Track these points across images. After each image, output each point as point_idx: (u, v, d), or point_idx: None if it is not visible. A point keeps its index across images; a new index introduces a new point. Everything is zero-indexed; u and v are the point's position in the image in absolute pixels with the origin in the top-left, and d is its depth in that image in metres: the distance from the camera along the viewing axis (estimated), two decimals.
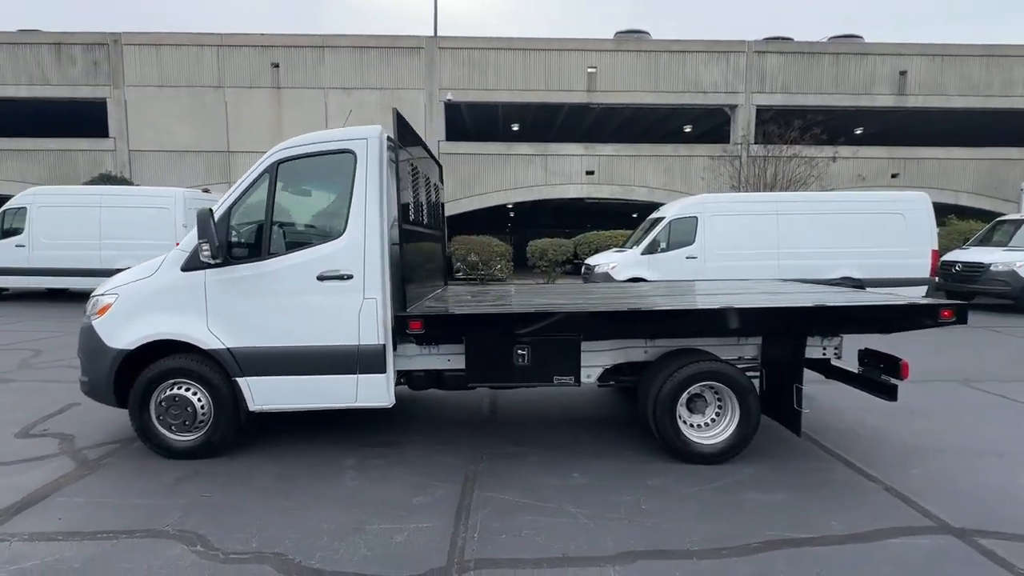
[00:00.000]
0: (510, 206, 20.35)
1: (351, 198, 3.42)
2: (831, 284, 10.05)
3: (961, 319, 3.36)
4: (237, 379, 3.45)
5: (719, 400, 3.56)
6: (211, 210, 3.25)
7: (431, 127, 16.69)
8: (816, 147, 14.83)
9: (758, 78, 16.78)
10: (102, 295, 3.59)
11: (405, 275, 3.47)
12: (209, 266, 3.41)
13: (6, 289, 11.54)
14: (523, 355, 3.37)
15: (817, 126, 14.86)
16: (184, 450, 3.52)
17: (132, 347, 3.44)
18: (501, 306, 3.59)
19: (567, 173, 16.98)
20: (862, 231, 10.25)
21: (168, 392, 3.48)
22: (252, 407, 3.50)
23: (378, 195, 3.39)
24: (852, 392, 3.92)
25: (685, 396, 3.52)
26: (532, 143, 17.44)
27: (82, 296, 5.83)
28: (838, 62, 16.69)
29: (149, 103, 16.51)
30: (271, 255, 3.44)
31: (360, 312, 3.39)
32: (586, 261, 11.83)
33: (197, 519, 2.79)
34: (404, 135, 3.52)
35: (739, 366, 4.15)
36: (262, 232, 3.46)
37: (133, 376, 3.46)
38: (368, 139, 3.44)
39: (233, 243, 3.49)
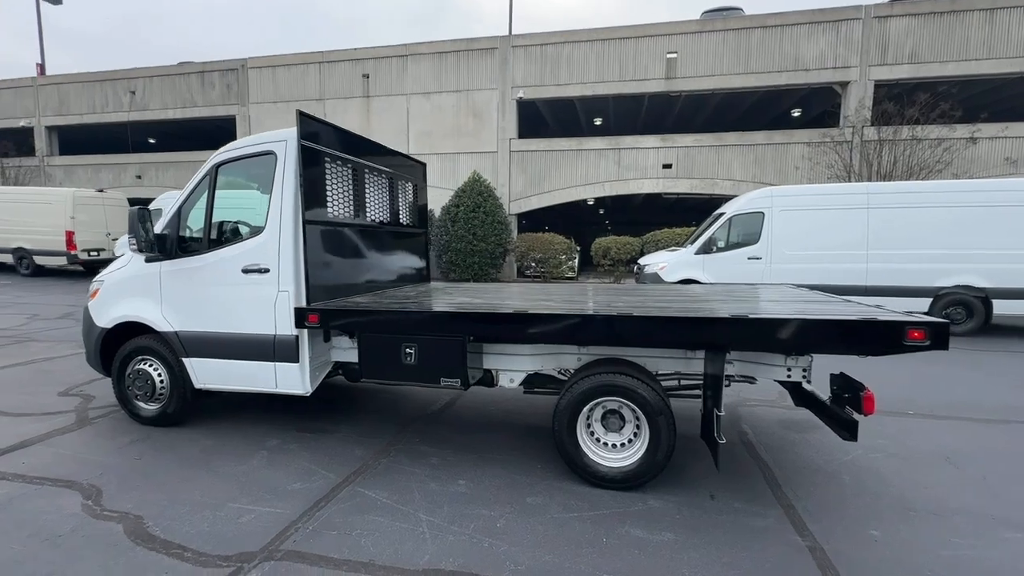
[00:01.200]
0: (591, 202, 19.85)
1: (271, 196, 3.64)
2: (940, 294, 8.31)
3: (939, 343, 2.57)
4: (183, 359, 3.89)
5: (637, 419, 3.16)
6: (144, 208, 3.70)
7: (503, 125, 16.90)
8: (948, 126, 12.15)
9: (878, 47, 14.17)
10: (98, 280, 4.27)
11: (317, 270, 3.60)
12: (162, 259, 3.89)
13: None
14: (410, 354, 3.32)
15: (949, 100, 12.17)
16: (148, 418, 4.06)
17: (109, 326, 4.06)
18: (390, 304, 3.55)
19: (641, 167, 16.03)
20: (991, 228, 8.23)
21: (136, 367, 4.04)
22: (196, 385, 3.92)
23: (293, 193, 3.56)
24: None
25: (591, 411, 3.20)
26: (604, 137, 16.75)
27: None
28: (992, 19, 13.44)
29: (267, 117, 19.04)
30: (208, 249, 3.81)
31: (276, 304, 3.61)
32: (638, 261, 11.11)
33: (110, 478, 3.22)
34: (316, 135, 3.64)
35: (683, 383, 3.69)
36: (204, 228, 3.85)
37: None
38: (287, 141, 3.62)
39: (183, 238, 3.93)
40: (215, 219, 3.88)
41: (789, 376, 3.28)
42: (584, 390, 3.14)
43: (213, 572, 2.34)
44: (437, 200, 15.81)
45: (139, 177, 20.48)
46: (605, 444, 3.25)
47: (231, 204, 4.24)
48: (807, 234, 9.00)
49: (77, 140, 22.36)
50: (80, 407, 4.51)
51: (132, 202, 14.46)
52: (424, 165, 5.65)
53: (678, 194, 16.39)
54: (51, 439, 3.82)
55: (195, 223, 3.99)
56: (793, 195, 9.27)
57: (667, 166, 15.84)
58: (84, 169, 21.17)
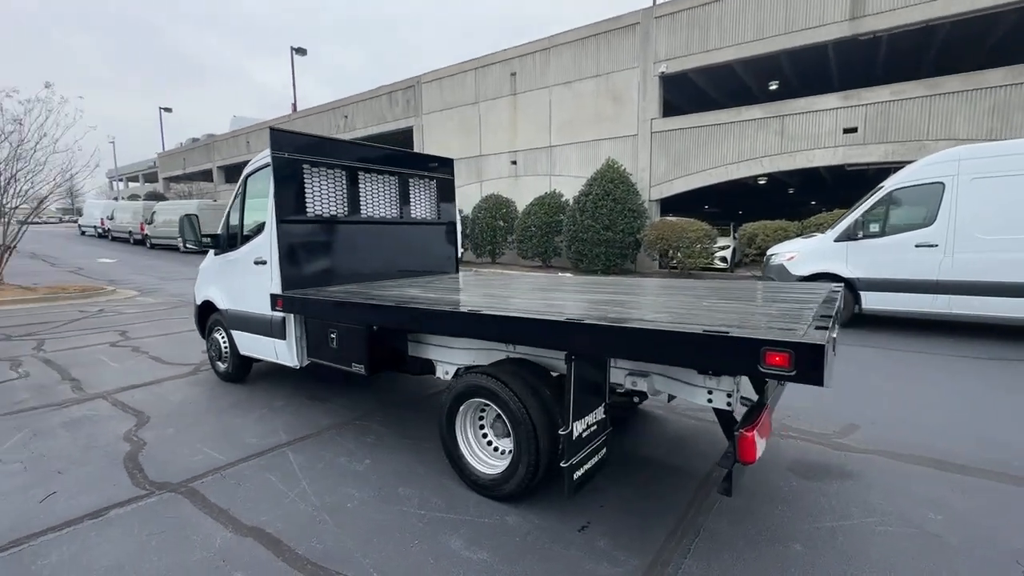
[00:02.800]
0: (762, 181, 17.16)
1: (269, 200, 4.38)
2: None
3: (806, 374, 1.75)
4: (230, 331, 4.99)
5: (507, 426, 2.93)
6: (191, 215, 4.81)
7: (644, 105, 15.74)
8: None
9: None
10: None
11: (291, 262, 4.20)
12: (218, 253, 5.04)
13: None
14: (333, 339, 3.65)
15: None
16: (220, 375, 5.33)
17: (199, 303, 5.44)
18: (334, 294, 3.85)
19: (813, 135, 13.05)
20: None
21: (212, 335, 5.33)
22: (241, 352, 4.98)
23: (276, 196, 4.22)
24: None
25: (481, 411, 3.07)
26: (764, 105, 14.11)
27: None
28: None
29: (436, 125, 21.59)
30: (240, 245, 4.78)
31: (271, 289, 4.36)
32: (768, 251, 9.29)
33: (160, 414, 4.39)
34: (289, 147, 4.19)
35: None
36: (239, 227, 4.83)
37: None
38: (272, 153, 4.29)
39: (227, 236, 4.99)
40: (246, 220, 4.83)
41: (710, 401, 2.58)
42: (457, 389, 3.03)
43: (137, 492, 3.08)
44: (573, 191, 15.76)
45: None
46: (496, 449, 3.07)
47: (260, 207, 5.19)
48: (1014, 213, 6.33)
49: None
50: (202, 363, 6.11)
51: None
52: (451, 161, 5.86)
53: (868, 164, 12.92)
54: (163, 383, 5.33)
55: (235, 224, 5.03)
56: (993, 156, 6.59)
57: (850, 130, 12.64)
58: None
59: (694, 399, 2.65)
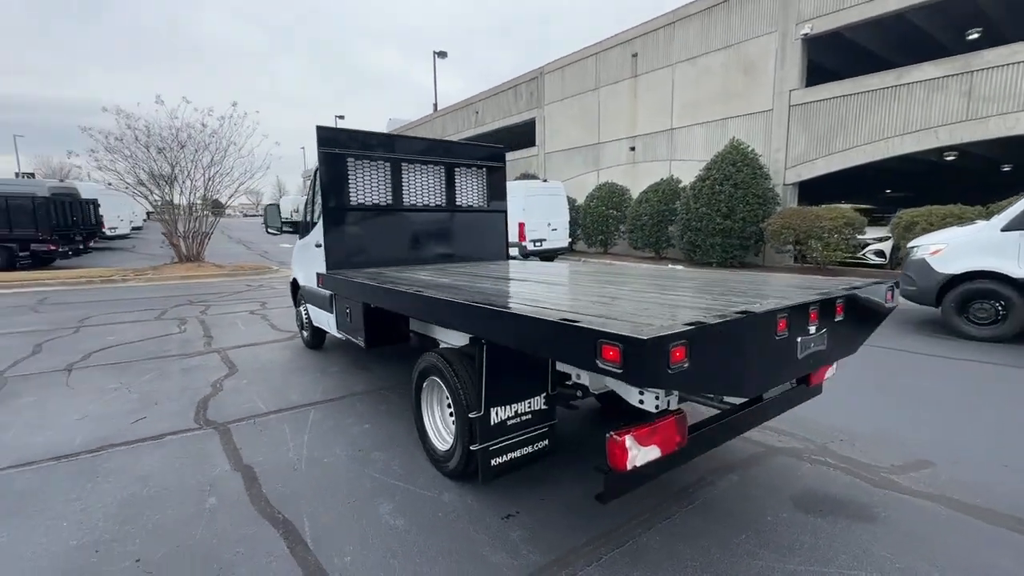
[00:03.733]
0: (951, 157, 13.87)
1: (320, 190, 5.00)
2: None
3: (633, 375, 1.52)
4: (307, 304, 5.83)
5: None
6: (274, 204, 5.65)
7: (781, 75, 13.69)
8: None
9: None
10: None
11: (335, 245, 4.75)
12: (300, 238, 5.89)
13: None
14: (348, 315, 4.06)
15: None
16: (304, 341, 6.25)
17: (291, 280, 6.43)
18: (358, 277, 4.19)
19: (1017, 94, 9.96)
20: None
21: (299, 308, 6.27)
22: (313, 323, 5.80)
23: (321, 187, 4.79)
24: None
25: (436, 388, 3.21)
26: (942, 60, 11.12)
27: None
28: None
29: (556, 114, 21.63)
30: (310, 231, 5.53)
31: (320, 269, 5.00)
32: (910, 242, 7.50)
33: (247, 371, 5.35)
34: (334, 142, 4.70)
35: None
36: (311, 214, 5.59)
37: None
38: (319, 149, 4.85)
39: (303, 223, 5.79)
40: (314, 209, 5.56)
41: (641, 402, 2.33)
42: (419, 367, 3.19)
43: (192, 426, 3.86)
44: (693, 176, 14.58)
45: None
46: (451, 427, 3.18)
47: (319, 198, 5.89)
48: None
49: None
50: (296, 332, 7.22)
51: None
52: (502, 150, 5.94)
53: None
54: (264, 345, 6.45)
55: (309, 211, 5.81)
56: None
57: None
58: None
59: (628, 398, 2.41)
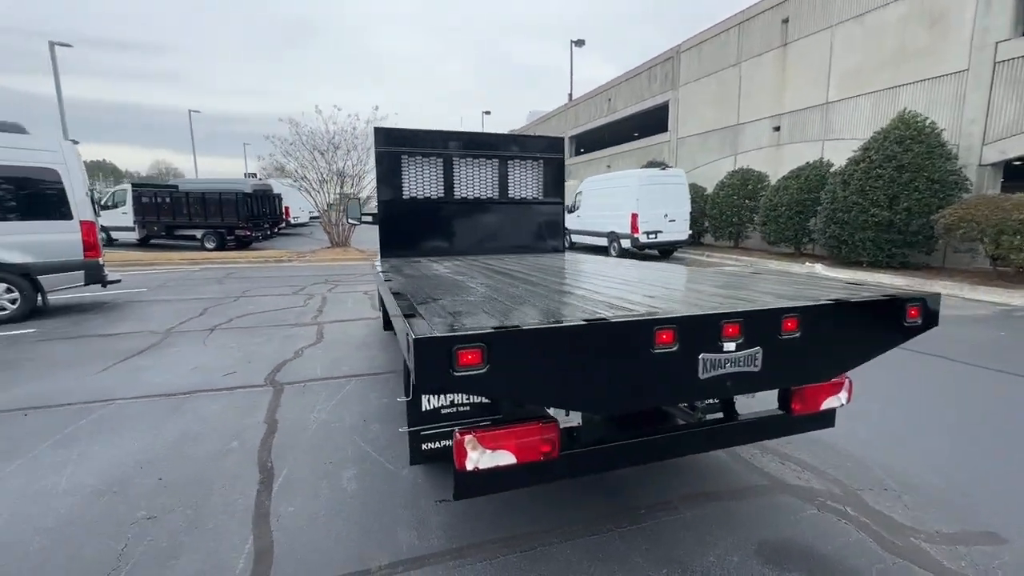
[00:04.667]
0: None
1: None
2: None
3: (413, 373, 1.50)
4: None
5: None
6: (356, 198, 6.35)
7: (984, 24, 10.61)
8: None
9: None
10: None
11: (388, 234, 5.25)
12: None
13: None
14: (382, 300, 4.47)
15: None
16: (383, 323, 7.01)
17: None
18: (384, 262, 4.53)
19: None
20: None
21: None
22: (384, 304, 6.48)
23: (377, 182, 5.31)
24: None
25: None
26: None
27: None
28: None
29: (691, 96, 19.92)
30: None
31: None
32: None
33: (328, 341, 6.23)
34: (390, 140, 5.15)
35: None
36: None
37: None
38: (375, 148, 5.35)
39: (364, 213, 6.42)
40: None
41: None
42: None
43: (259, 383, 4.69)
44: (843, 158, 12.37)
45: (609, 167, 26.26)
46: None
47: None
48: None
49: (583, 143, 30.88)
50: None
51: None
52: (560, 141, 5.82)
53: None
54: (354, 322, 7.35)
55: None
56: None
57: None
58: (586, 164, 29.13)
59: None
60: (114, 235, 19.08)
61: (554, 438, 1.92)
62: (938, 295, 2.28)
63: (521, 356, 1.65)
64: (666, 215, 14.57)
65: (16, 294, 7.15)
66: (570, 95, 31.50)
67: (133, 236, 18.79)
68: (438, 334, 1.57)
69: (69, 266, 7.49)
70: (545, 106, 34.64)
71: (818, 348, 2.09)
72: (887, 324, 2.21)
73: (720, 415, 2.44)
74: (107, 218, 19.24)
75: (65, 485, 2.92)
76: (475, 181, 5.65)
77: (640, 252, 15.71)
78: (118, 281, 8.56)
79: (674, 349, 1.78)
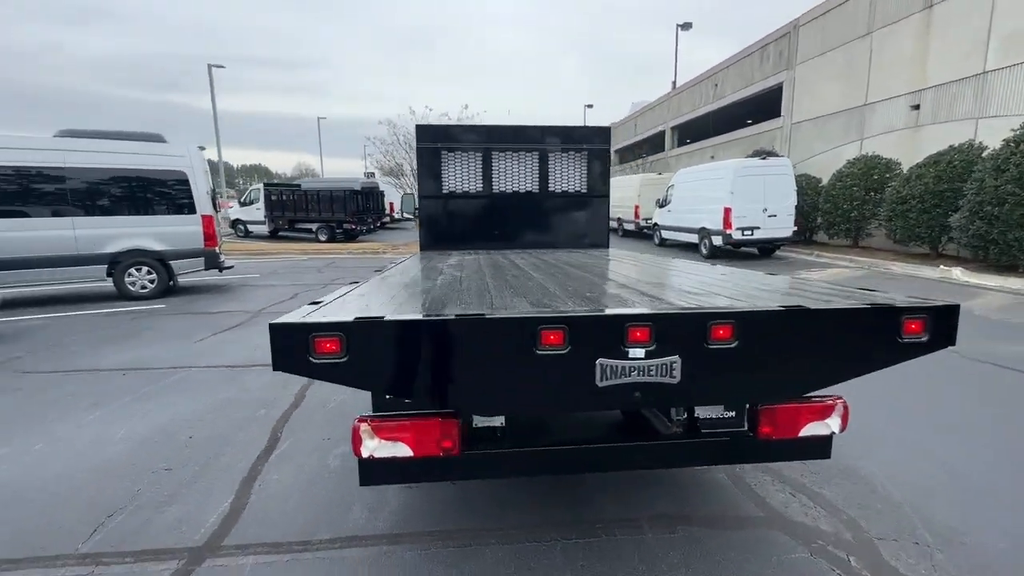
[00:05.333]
0: None
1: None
2: None
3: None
4: None
5: None
6: (409, 194, 6.62)
7: None
8: None
9: None
10: None
11: (427, 227, 5.44)
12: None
13: None
14: None
15: None
16: None
17: None
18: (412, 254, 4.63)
19: None
20: None
21: None
22: None
23: (417, 177, 5.51)
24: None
25: None
26: None
27: None
28: None
29: (810, 74, 17.60)
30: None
31: None
32: None
33: None
34: (429, 137, 5.31)
35: None
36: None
37: None
38: (417, 145, 5.53)
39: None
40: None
41: None
42: None
43: None
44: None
45: (712, 158, 24.38)
46: None
47: None
48: None
49: (684, 134, 28.98)
50: None
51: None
52: (606, 131, 5.54)
53: None
54: None
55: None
56: None
57: None
58: (688, 156, 27.37)
59: None
60: (251, 228, 22.15)
61: (455, 435, 1.87)
62: (954, 306, 1.79)
63: (384, 347, 1.64)
64: (765, 209, 13.16)
65: (154, 275, 8.66)
66: (674, 83, 29.74)
67: (264, 229, 21.64)
68: (294, 321, 1.62)
69: (193, 253, 8.89)
70: (650, 96, 33.01)
71: (769, 362, 1.77)
72: (874, 339, 1.79)
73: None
74: (245, 213, 22.42)
75: (122, 434, 3.51)
76: (514, 175, 5.60)
77: (735, 250, 14.40)
78: (231, 267, 9.96)
79: (564, 352, 1.63)
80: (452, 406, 1.84)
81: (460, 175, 5.45)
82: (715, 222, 13.60)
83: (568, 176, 5.61)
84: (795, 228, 13.65)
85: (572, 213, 5.67)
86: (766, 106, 20.49)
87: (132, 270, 8.48)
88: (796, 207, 13.61)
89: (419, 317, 1.66)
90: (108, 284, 8.39)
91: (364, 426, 1.87)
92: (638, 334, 1.65)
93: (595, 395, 1.68)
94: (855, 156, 14.68)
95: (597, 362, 1.66)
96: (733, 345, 1.69)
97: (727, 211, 13.17)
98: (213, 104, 22.92)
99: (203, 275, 9.79)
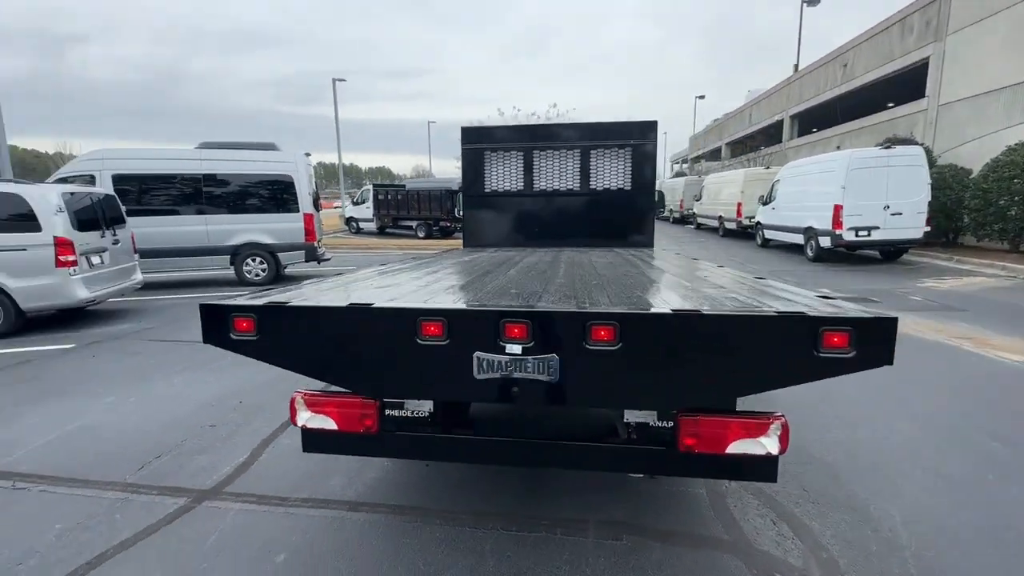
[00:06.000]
0: None
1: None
2: None
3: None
4: None
5: None
6: (454, 191, 6.88)
7: None
8: None
9: None
10: None
11: (468, 225, 5.67)
12: None
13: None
14: None
15: None
16: None
17: None
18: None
19: None
20: None
21: None
22: None
23: (462, 178, 5.75)
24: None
25: None
26: None
27: None
28: None
29: (966, 45, 14.68)
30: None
31: None
32: None
33: None
34: (474, 138, 5.53)
35: None
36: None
37: None
38: (462, 146, 5.75)
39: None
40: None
41: None
42: None
43: None
44: None
45: (839, 147, 21.56)
46: None
47: None
48: None
49: (805, 123, 25.93)
50: None
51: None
52: (652, 125, 5.29)
53: None
54: None
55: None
56: None
57: None
58: (810, 147, 24.52)
59: None
60: (362, 225, 24.48)
61: (373, 414, 2.04)
62: (887, 319, 1.52)
63: (288, 330, 1.85)
64: (887, 207, 11.37)
65: (265, 265, 10.07)
66: (795, 66, 26.79)
67: (373, 226, 23.78)
68: (217, 302, 1.90)
69: (296, 247, 10.16)
70: (768, 84, 30.07)
71: (659, 368, 1.66)
72: (784, 351, 1.59)
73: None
74: (357, 212, 24.81)
75: (190, 395, 4.24)
76: (554, 173, 5.59)
77: (850, 253, 12.67)
78: (329, 259, 11.18)
79: (443, 343, 1.71)
80: (350, 387, 2.01)
81: (502, 175, 5.61)
82: (823, 221, 12.09)
83: (611, 173, 5.48)
84: (927, 228, 11.61)
85: (615, 211, 5.53)
86: (906, 87, 17.65)
87: (248, 260, 9.96)
88: (933, 204, 11.57)
89: (316, 304, 1.86)
90: (230, 271, 9.95)
91: (299, 398, 2.12)
92: (515, 331, 1.68)
93: (474, 386, 1.74)
94: (1019, 141, 12.06)
95: (475, 355, 1.72)
96: (615, 348, 1.64)
97: (837, 208, 11.63)
98: (336, 113, 25.72)
99: (305, 267, 11.13)
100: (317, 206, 10.71)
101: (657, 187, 5.21)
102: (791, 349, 1.60)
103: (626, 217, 5.54)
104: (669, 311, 1.65)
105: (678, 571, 2.14)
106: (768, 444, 1.85)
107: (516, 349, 1.69)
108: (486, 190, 5.71)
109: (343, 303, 1.86)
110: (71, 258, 6.18)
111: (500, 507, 2.62)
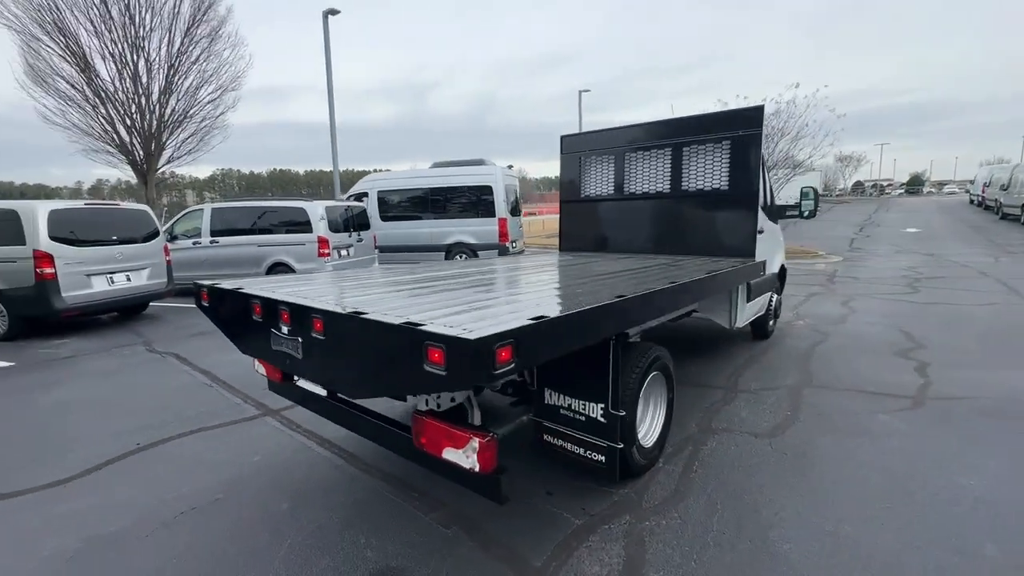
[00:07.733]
0: None
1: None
2: None
3: None
4: None
5: None
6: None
7: None
8: None
9: None
10: None
11: (564, 231, 5.84)
12: None
13: None
14: None
15: None
16: None
17: None
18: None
19: None
20: None
21: None
22: None
23: (560, 184, 5.92)
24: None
25: None
26: None
27: None
28: None
29: None
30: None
31: None
32: None
33: None
34: (572, 145, 5.66)
35: None
36: None
37: None
38: (561, 155, 5.86)
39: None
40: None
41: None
42: None
43: None
44: None
45: None
46: None
47: None
48: None
49: None
50: None
51: None
52: (756, 111, 4.36)
53: None
54: None
55: None
56: None
57: None
58: None
59: None
60: None
61: (279, 373, 2.82)
62: (475, 341, 1.36)
63: (210, 302, 2.78)
64: None
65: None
66: None
67: None
68: (199, 283, 2.96)
69: (491, 247, 11.89)
70: None
71: (345, 359, 1.92)
72: (403, 359, 1.62)
73: None
74: None
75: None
76: (647, 175, 5.16)
77: None
78: (520, 252, 12.60)
79: (260, 320, 2.36)
80: (240, 348, 2.84)
81: (596, 180, 5.59)
82: None
83: (705, 172, 4.81)
84: None
85: (710, 216, 4.82)
86: None
87: (456, 257, 12.19)
88: None
89: (215, 285, 2.74)
90: None
91: (256, 363, 3.10)
92: (283, 315, 2.20)
93: (272, 353, 2.36)
94: None
95: (271, 330, 2.32)
96: (323, 338, 1.98)
97: None
98: (580, 122, 27.55)
99: None
100: (517, 212, 12.24)
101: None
102: (407, 359, 1.63)
103: (722, 223, 4.76)
104: (342, 311, 1.90)
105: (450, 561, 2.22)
106: (465, 457, 1.84)
107: (285, 331, 2.23)
108: (581, 196, 5.78)
109: (261, 293, 2.72)
110: (327, 251, 9.11)
111: (431, 478, 3.02)
